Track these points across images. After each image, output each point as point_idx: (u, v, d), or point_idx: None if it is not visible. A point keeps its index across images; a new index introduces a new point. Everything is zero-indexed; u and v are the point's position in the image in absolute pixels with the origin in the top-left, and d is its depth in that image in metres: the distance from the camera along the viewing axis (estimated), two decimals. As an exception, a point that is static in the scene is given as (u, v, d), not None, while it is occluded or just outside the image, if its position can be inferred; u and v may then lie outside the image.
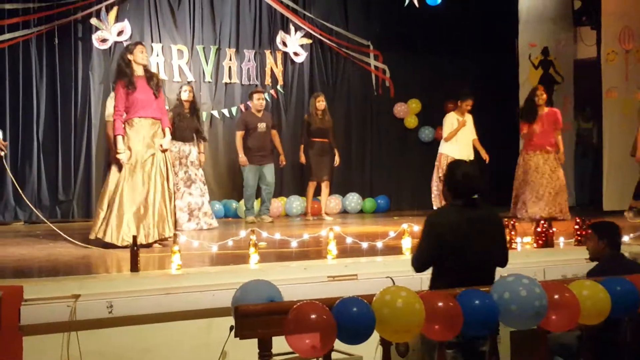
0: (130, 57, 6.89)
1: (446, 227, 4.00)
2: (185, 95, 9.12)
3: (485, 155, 9.77)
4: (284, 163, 10.25)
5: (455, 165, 4.32)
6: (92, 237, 6.69)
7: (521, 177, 9.42)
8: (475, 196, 4.11)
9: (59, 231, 7.03)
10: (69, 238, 6.90)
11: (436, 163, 9.95)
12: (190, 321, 5.02)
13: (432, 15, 11.51)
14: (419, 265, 4.19)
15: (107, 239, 6.55)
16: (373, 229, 8.88)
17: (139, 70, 6.90)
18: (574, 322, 3.56)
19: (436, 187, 9.96)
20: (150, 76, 6.98)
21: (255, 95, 9.81)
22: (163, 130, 6.98)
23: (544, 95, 9.38)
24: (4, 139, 9.17)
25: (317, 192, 10.41)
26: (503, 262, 4.20)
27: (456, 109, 9.96)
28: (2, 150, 6.75)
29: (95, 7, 10.22)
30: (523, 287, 3.41)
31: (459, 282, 3.75)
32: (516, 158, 11.26)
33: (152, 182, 6.76)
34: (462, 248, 3.97)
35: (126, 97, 6.76)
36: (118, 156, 6.71)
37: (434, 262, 4.09)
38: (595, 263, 4.76)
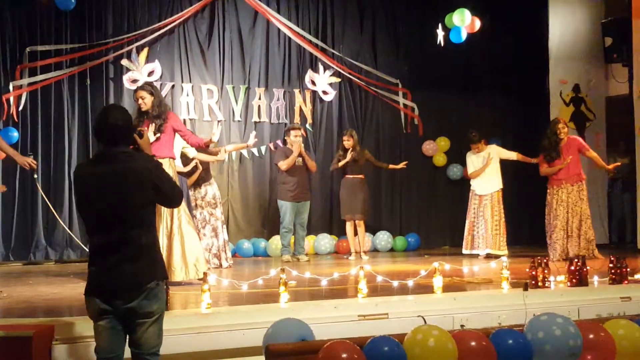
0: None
1: (79, 179, 3.89)
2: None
3: (530, 159, 9.89)
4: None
5: (102, 110, 4.01)
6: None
7: (550, 214, 9.32)
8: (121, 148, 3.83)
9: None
10: None
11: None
12: (220, 360, 5.00)
13: (461, 53, 11.57)
14: None
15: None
16: (404, 267, 8.80)
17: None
18: (611, 363, 3.49)
19: (468, 225, 10.00)
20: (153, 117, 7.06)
21: (293, 132, 9.82)
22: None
23: (566, 129, 9.29)
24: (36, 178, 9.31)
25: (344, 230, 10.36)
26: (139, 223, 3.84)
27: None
28: (33, 166, 6.66)
29: (127, 48, 10.40)
30: (557, 326, 3.36)
31: (96, 241, 3.78)
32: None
33: (168, 223, 6.86)
34: (86, 203, 3.84)
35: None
36: None
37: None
38: None
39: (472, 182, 10.14)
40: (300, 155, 9.74)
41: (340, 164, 10.00)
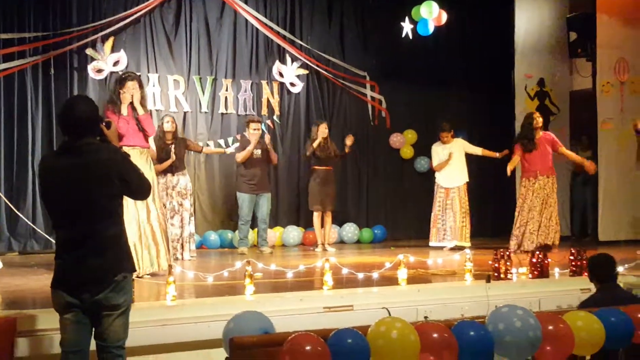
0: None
1: (44, 172, 3.88)
2: (167, 126, 9.11)
3: (494, 154, 10.14)
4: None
5: (68, 101, 4.02)
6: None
7: (523, 206, 9.39)
8: (88, 139, 3.79)
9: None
10: None
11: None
12: (185, 353, 5.00)
13: (428, 47, 11.66)
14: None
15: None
16: (369, 259, 8.86)
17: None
18: (568, 353, 3.56)
19: (433, 217, 10.12)
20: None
21: (252, 125, 9.76)
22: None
23: (541, 119, 9.41)
24: None
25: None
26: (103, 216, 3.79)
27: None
28: None
29: (91, 38, 10.25)
30: (517, 318, 3.40)
31: (63, 234, 3.78)
32: (512, 187, 11.36)
33: (145, 210, 6.82)
34: (52, 196, 3.84)
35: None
36: None
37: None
38: None
39: (438, 175, 10.24)
40: (259, 147, 9.69)
41: (315, 144, 9.93)
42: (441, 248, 9.93)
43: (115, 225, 3.86)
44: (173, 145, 9.06)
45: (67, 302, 3.75)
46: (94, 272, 3.73)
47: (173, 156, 8.96)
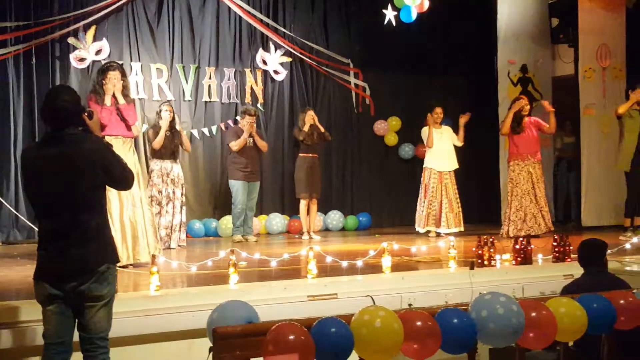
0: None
1: (27, 162, 3.87)
2: (165, 115, 9.14)
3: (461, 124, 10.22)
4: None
5: (50, 91, 4.02)
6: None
7: (515, 190, 9.42)
8: (74, 128, 3.81)
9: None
10: None
11: (422, 179, 10.12)
12: (170, 343, 5.00)
13: (411, 34, 11.61)
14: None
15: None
16: (354, 247, 8.87)
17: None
18: (551, 340, 3.58)
19: (426, 203, 10.04)
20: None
21: (248, 119, 9.71)
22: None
23: (528, 107, 9.59)
24: None
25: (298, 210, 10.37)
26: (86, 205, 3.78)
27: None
28: None
29: (73, 27, 10.16)
30: (500, 305, 3.42)
31: (45, 225, 3.78)
32: (496, 173, 11.41)
33: (125, 202, 6.79)
34: (34, 187, 3.84)
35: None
36: None
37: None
38: None
39: (430, 160, 10.06)
40: (250, 135, 9.71)
41: (306, 127, 9.92)
42: (427, 233, 9.93)
43: (99, 216, 3.85)
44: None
45: (50, 294, 3.73)
46: (77, 263, 3.72)
47: (166, 123, 9.02)
